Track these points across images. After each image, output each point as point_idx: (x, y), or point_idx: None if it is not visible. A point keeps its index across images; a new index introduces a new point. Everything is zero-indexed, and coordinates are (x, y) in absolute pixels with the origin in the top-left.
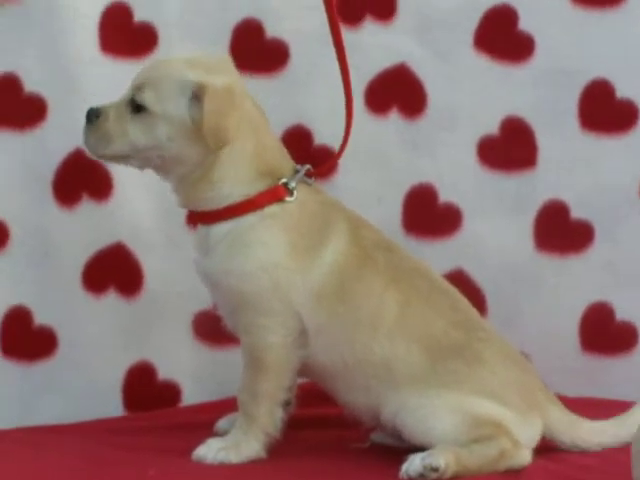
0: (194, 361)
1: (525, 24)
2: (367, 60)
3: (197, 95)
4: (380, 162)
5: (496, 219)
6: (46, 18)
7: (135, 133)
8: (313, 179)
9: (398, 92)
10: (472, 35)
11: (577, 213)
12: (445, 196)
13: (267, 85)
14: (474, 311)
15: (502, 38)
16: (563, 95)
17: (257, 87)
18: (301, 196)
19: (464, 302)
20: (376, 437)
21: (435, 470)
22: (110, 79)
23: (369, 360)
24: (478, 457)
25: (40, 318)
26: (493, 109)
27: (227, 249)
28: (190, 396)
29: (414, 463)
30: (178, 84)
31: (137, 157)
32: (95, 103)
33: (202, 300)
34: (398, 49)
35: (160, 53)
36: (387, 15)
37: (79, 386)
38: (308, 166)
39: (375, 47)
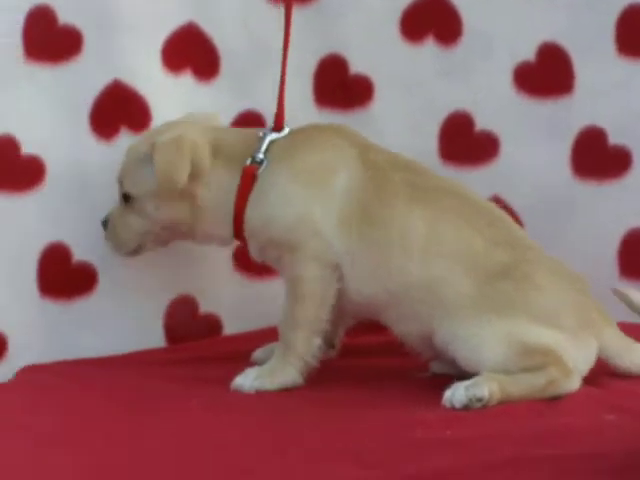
0: (234, 294)
1: None
2: None
3: (152, 156)
4: (416, 90)
5: (533, 146)
6: None
7: (133, 222)
8: (285, 130)
9: (433, 19)
10: None
11: (614, 139)
12: (482, 123)
13: (301, 14)
14: (519, 229)
15: None
16: (599, 20)
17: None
18: (286, 140)
19: (506, 220)
20: (436, 366)
21: (479, 400)
22: (146, 11)
23: (410, 282)
24: (524, 386)
25: (79, 254)
26: (529, 35)
27: (250, 209)
28: (230, 329)
29: (458, 393)
30: (140, 160)
31: (151, 240)
32: (133, 35)
33: None
34: None
35: None
36: None
37: (120, 321)
38: (270, 126)
39: None
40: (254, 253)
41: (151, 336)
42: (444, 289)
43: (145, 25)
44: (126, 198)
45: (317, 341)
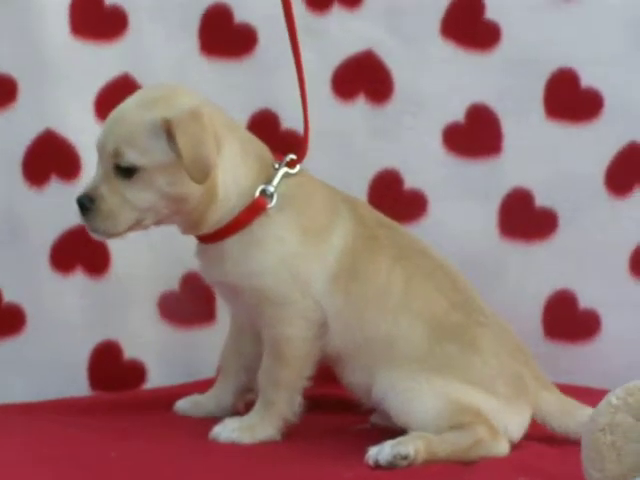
0: (160, 341)
1: (491, 13)
2: (334, 46)
3: (168, 132)
4: (346, 148)
5: (461, 206)
6: (17, 1)
7: (137, 196)
8: (297, 167)
9: (365, 78)
10: (439, 22)
11: (542, 201)
12: (411, 182)
13: (235, 69)
14: (475, 292)
15: (469, 26)
16: (528, 83)
17: (225, 71)
18: (295, 184)
19: (465, 282)
20: (375, 419)
21: (405, 458)
22: (80, 62)
23: (375, 338)
24: (450, 445)
25: (8, 296)
26: (459, 96)
27: (243, 250)
28: (156, 376)
29: (384, 451)
30: (148, 130)
31: (147, 217)
32: (66, 85)
33: (168, 281)
34: (365, 35)
35: (130, 37)
36: (354, 1)
37: (45, 364)
38: (290, 156)
39: (342, 33)
40: (244, 315)
41: (75, 382)
42: (401, 345)
43: (80, 75)
44: (128, 171)
45: (298, 399)
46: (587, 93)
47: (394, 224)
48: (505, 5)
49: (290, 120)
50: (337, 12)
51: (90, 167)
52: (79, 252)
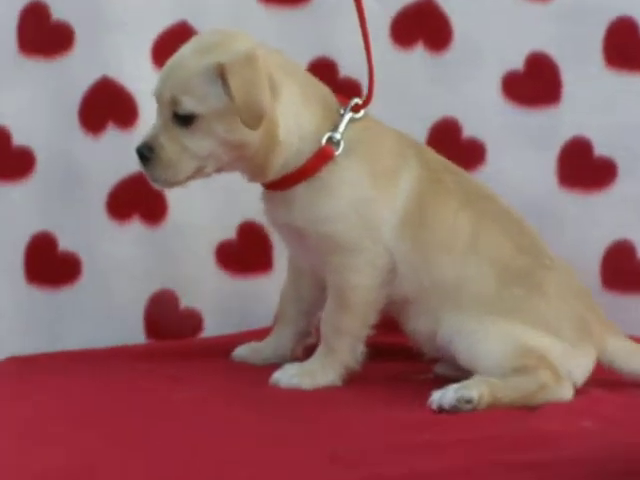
0: (217, 290)
1: None
2: None
3: (222, 76)
4: (405, 96)
5: (520, 155)
6: None
7: (196, 144)
8: (361, 112)
9: (424, 26)
10: None
11: (601, 150)
12: (469, 131)
13: (293, 16)
14: (540, 237)
15: None
16: (588, 32)
17: (283, 19)
18: (361, 128)
19: (530, 227)
20: (439, 369)
21: (469, 402)
22: (137, 10)
23: (443, 281)
24: (514, 389)
25: (64, 244)
26: (518, 44)
27: (312, 197)
28: (212, 325)
29: (447, 395)
30: (204, 76)
31: (208, 165)
32: (123, 32)
33: (225, 230)
34: None
35: None
36: None
37: (101, 312)
38: (355, 101)
39: None
40: (309, 262)
41: (133, 329)
42: (469, 287)
43: (136, 23)
44: (186, 119)
45: (361, 347)
46: None
47: (460, 169)
48: None
49: (349, 67)
50: None
51: (147, 115)
52: (136, 201)
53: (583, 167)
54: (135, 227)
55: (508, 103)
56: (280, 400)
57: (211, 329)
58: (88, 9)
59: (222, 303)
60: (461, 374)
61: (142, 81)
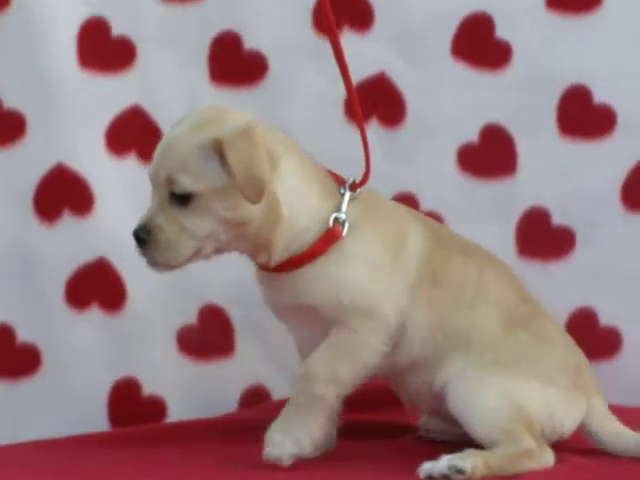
0: (179, 376)
1: (502, 31)
2: None
3: (219, 152)
4: (360, 172)
5: (478, 226)
6: (24, 33)
7: (195, 224)
8: (358, 190)
9: (378, 101)
10: (450, 43)
11: (558, 219)
12: (427, 205)
13: (246, 97)
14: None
15: (479, 45)
16: (541, 101)
17: (236, 99)
18: (360, 200)
19: (518, 278)
20: (426, 423)
21: (461, 472)
22: (90, 94)
23: (453, 333)
24: (502, 457)
25: (23, 335)
26: (472, 117)
27: (327, 271)
28: (175, 411)
29: (440, 463)
30: (200, 154)
31: (207, 245)
32: (76, 119)
33: (186, 314)
34: (376, 58)
35: (139, 67)
36: (365, 24)
37: (64, 403)
38: (352, 180)
39: (353, 56)
40: (292, 317)
41: (96, 418)
42: (477, 334)
43: (89, 108)
44: (184, 198)
45: (338, 408)
46: (600, 109)
47: (445, 225)
48: (515, 23)
49: (303, 143)
50: (348, 35)
51: (102, 200)
52: (94, 288)
53: (541, 236)
54: (95, 315)
55: (464, 175)
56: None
57: (175, 415)
58: (39, 95)
59: (185, 388)
60: (448, 429)
61: (97, 166)
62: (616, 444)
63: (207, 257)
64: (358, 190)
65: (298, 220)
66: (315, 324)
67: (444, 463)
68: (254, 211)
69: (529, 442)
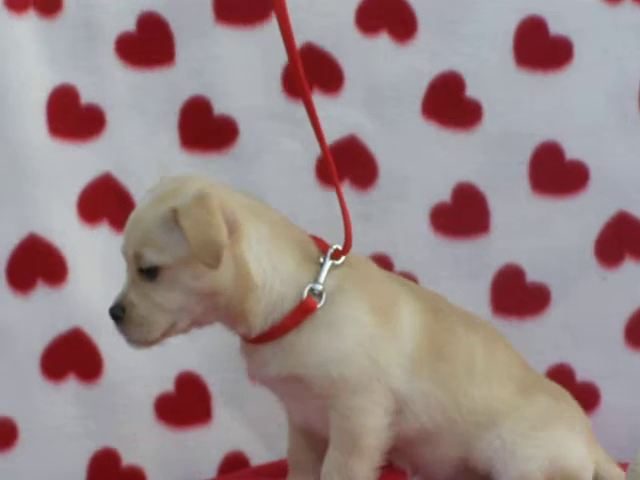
0: (158, 445)
1: (472, 90)
2: None
3: (177, 221)
4: (333, 235)
5: (452, 285)
6: None
7: (165, 298)
8: (342, 258)
9: (349, 164)
10: (420, 104)
11: (533, 276)
12: (400, 265)
13: (217, 162)
14: None
15: (450, 105)
16: (513, 159)
17: (207, 164)
18: (350, 267)
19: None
20: None
21: None
22: (60, 163)
23: (473, 408)
24: None
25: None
26: (444, 176)
27: (312, 339)
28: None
29: None
30: (161, 226)
31: (182, 319)
32: (47, 187)
33: (163, 382)
34: (347, 120)
35: (109, 135)
36: (334, 87)
37: (41, 475)
38: (335, 247)
39: (323, 119)
40: (305, 413)
41: None
42: (499, 406)
43: (60, 177)
44: (151, 272)
45: None
46: (572, 165)
47: (435, 292)
48: (485, 82)
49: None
50: (317, 98)
51: (75, 269)
52: (70, 359)
53: (516, 294)
54: (71, 386)
55: (437, 235)
56: None
57: None
58: (9, 165)
59: (164, 457)
60: None
61: (69, 235)
62: None
63: (185, 331)
64: (342, 259)
65: (273, 288)
66: (304, 396)
67: None
68: (223, 279)
69: None
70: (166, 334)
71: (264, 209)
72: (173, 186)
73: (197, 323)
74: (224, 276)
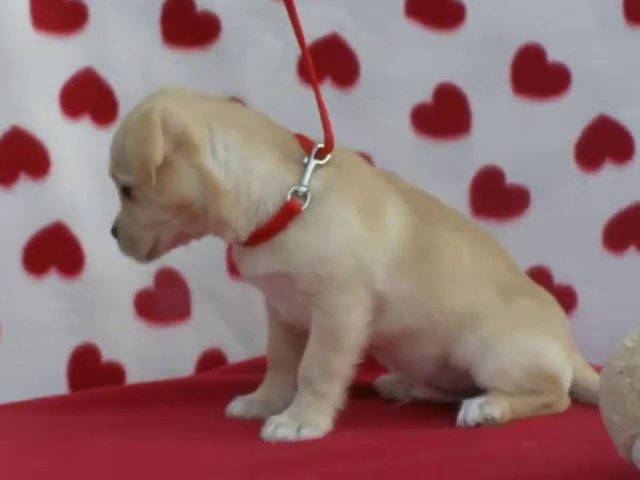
0: (137, 341)
1: None
2: None
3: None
4: (315, 132)
5: (432, 186)
6: None
7: (141, 214)
8: (327, 157)
9: (330, 62)
10: (403, 3)
11: (512, 178)
12: (381, 164)
13: (200, 59)
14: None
15: (433, 6)
16: (495, 61)
17: (190, 61)
18: (335, 163)
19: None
20: (416, 392)
21: (492, 419)
22: (43, 57)
23: (456, 310)
24: (526, 405)
25: None
26: (426, 77)
27: (302, 239)
28: (135, 376)
29: (472, 411)
30: (122, 146)
31: (163, 232)
32: (30, 81)
33: (143, 279)
34: (329, 19)
35: (91, 29)
36: None
37: (22, 370)
38: (319, 146)
39: (306, 18)
40: (291, 309)
41: (55, 385)
42: (483, 309)
43: (43, 70)
44: (126, 191)
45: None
46: (554, 68)
47: (432, 195)
48: None
49: (259, 106)
50: None
51: (58, 162)
52: (52, 253)
53: (495, 196)
54: (52, 280)
55: (418, 135)
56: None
57: (134, 380)
58: None
59: (144, 353)
60: (441, 395)
61: (52, 129)
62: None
63: (174, 245)
64: (328, 157)
65: (251, 191)
66: (291, 294)
67: (475, 410)
68: (187, 190)
69: (553, 398)
70: (156, 249)
71: (237, 114)
72: (140, 103)
73: (184, 236)
74: (187, 187)
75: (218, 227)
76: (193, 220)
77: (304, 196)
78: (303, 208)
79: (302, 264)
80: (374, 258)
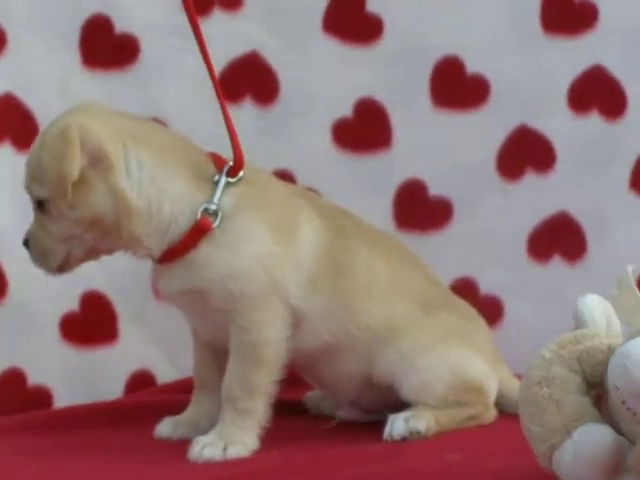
0: (64, 364)
1: (372, 5)
2: (218, 49)
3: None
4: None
5: (355, 201)
6: None
7: (53, 228)
8: (239, 174)
9: (250, 80)
10: (321, 19)
11: (435, 190)
12: (303, 181)
13: (119, 80)
14: None
15: (350, 21)
16: (414, 74)
17: (109, 83)
18: (246, 182)
19: (422, 261)
20: (341, 413)
21: (418, 433)
22: None
23: (372, 325)
24: (452, 419)
25: None
26: (346, 92)
27: (212, 256)
28: (61, 399)
29: (397, 425)
30: (38, 160)
31: (75, 247)
32: None
33: (68, 302)
34: (248, 37)
35: (10, 53)
36: (235, 3)
37: None
38: (230, 164)
39: (225, 36)
40: (208, 327)
41: None
42: (401, 324)
43: None
44: (40, 205)
45: (269, 405)
46: (473, 79)
47: (349, 211)
48: None
49: (179, 126)
50: (218, 15)
51: None
52: None
53: (419, 209)
54: None
55: (340, 150)
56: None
57: (61, 403)
58: None
59: (70, 376)
60: (366, 416)
61: None
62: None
63: (85, 259)
64: (240, 174)
65: (162, 210)
66: (207, 311)
67: (401, 424)
68: (99, 207)
69: (478, 409)
70: (66, 264)
71: (151, 133)
72: (57, 119)
73: (96, 251)
74: (99, 204)
75: (130, 243)
76: (105, 235)
77: (215, 214)
78: (214, 226)
79: (213, 280)
80: (286, 274)
